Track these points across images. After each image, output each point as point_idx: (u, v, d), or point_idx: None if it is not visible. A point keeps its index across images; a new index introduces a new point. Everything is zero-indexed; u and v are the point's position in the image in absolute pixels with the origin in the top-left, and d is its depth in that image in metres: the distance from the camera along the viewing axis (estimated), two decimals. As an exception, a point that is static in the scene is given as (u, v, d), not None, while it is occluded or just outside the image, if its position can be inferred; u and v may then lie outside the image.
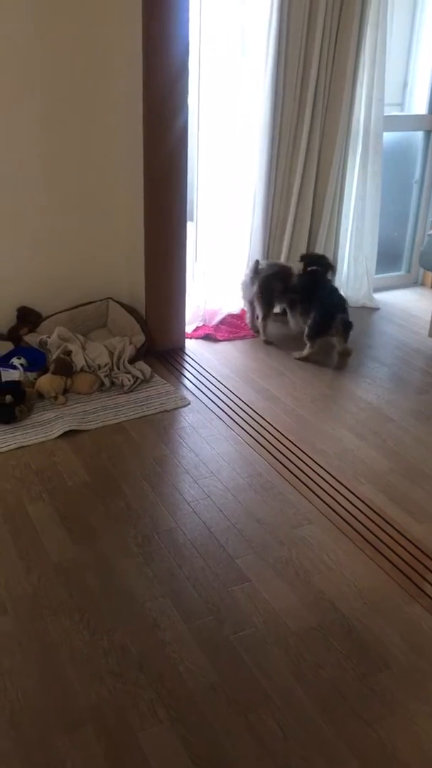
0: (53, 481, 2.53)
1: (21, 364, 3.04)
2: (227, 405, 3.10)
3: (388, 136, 4.20)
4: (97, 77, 3.25)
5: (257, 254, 4.00)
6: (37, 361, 3.12)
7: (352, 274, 4.32)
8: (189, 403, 3.09)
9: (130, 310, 3.53)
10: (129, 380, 3.16)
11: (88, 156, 3.38)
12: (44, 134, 3.25)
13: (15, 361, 3.04)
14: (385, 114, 4.02)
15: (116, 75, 3.26)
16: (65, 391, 3.07)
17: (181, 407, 3.05)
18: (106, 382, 3.16)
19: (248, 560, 2.18)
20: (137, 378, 3.20)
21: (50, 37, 3.09)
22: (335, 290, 3.68)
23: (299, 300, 3.69)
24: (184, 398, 3.12)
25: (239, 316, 4.01)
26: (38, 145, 3.25)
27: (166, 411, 3.01)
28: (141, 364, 3.30)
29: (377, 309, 4.32)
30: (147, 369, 3.28)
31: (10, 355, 3.12)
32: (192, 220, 3.85)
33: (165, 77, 3.14)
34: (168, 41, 3.08)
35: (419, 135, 4.46)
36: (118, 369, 3.24)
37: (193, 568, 2.14)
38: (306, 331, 3.56)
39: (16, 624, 1.92)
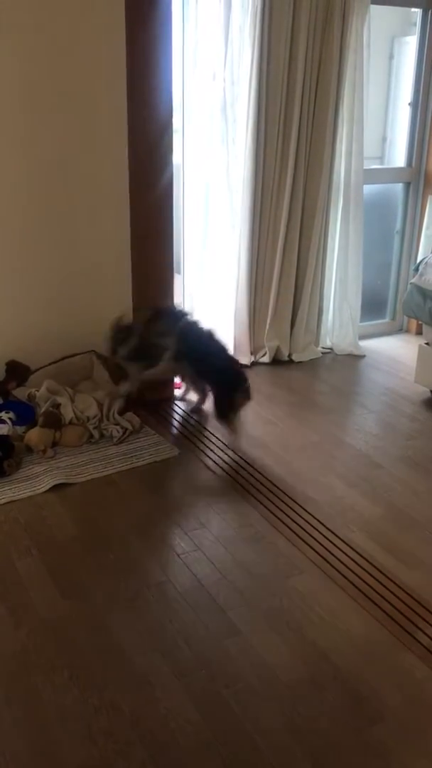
0: (42, 535, 2.51)
1: (9, 419, 3.04)
2: (216, 455, 3.11)
3: (369, 189, 4.32)
4: (82, 134, 3.32)
5: (244, 306, 4.06)
6: (25, 414, 3.12)
7: (338, 322, 4.38)
8: (178, 453, 3.09)
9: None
10: (118, 431, 3.17)
11: (74, 211, 3.43)
12: (30, 190, 3.31)
13: (3, 415, 3.05)
14: (366, 167, 4.14)
15: (101, 132, 3.35)
16: (54, 444, 3.07)
17: (170, 457, 3.05)
18: (95, 434, 3.16)
19: (240, 612, 2.16)
20: (126, 429, 3.20)
21: (35, 94, 3.18)
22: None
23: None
24: (174, 448, 3.12)
25: (227, 366, 4.04)
26: (24, 201, 3.31)
27: (156, 462, 3.01)
28: (130, 415, 3.31)
29: (363, 356, 4.37)
30: (136, 420, 3.29)
31: (6, 406, 3.12)
32: (179, 272, 3.92)
33: (149, 134, 3.24)
34: (152, 99, 3.20)
35: (399, 187, 4.59)
36: (108, 420, 3.25)
37: (185, 622, 2.12)
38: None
39: (4, 682, 1.88)
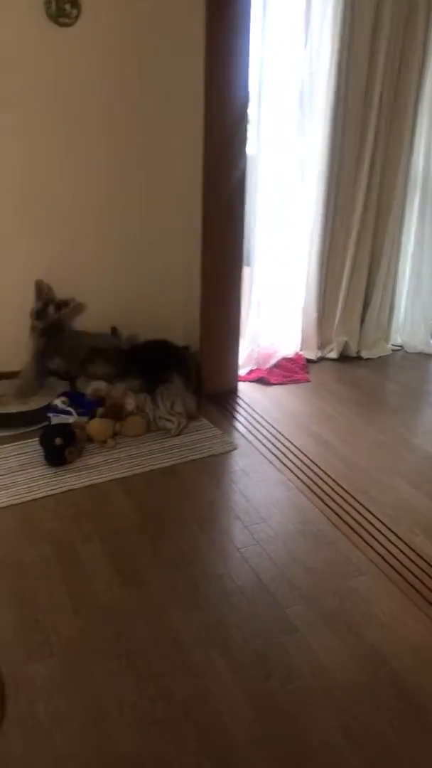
0: (104, 522, 2.55)
1: (72, 408, 3.09)
2: (279, 449, 3.08)
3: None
4: (159, 124, 3.36)
5: (313, 300, 4.01)
6: (88, 404, 3.16)
7: (410, 319, 4.28)
8: (237, 448, 3.08)
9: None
10: (172, 423, 3.17)
11: (149, 199, 3.47)
12: (107, 180, 3.36)
13: (59, 403, 3.09)
14: (444, 161, 4.02)
15: (177, 122, 3.36)
16: (115, 434, 3.10)
17: (229, 452, 3.05)
18: (154, 425, 3.18)
19: (297, 610, 2.14)
20: (180, 423, 3.20)
21: (116, 84, 3.22)
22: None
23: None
24: (232, 443, 3.11)
25: (294, 360, 4.00)
26: (101, 191, 3.36)
27: (213, 455, 3.01)
28: (188, 404, 3.29)
29: (434, 355, 4.26)
30: (192, 407, 3.28)
31: (74, 397, 3.17)
32: (249, 264, 3.90)
33: (225, 124, 3.22)
34: (229, 90, 3.17)
35: None
36: (169, 410, 3.26)
37: (242, 617, 2.11)
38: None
39: (62, 666, 1.92)
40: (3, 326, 3.36)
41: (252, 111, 3.44)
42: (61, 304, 3.33)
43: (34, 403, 3.24)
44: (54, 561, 2.34)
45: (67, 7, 3.03)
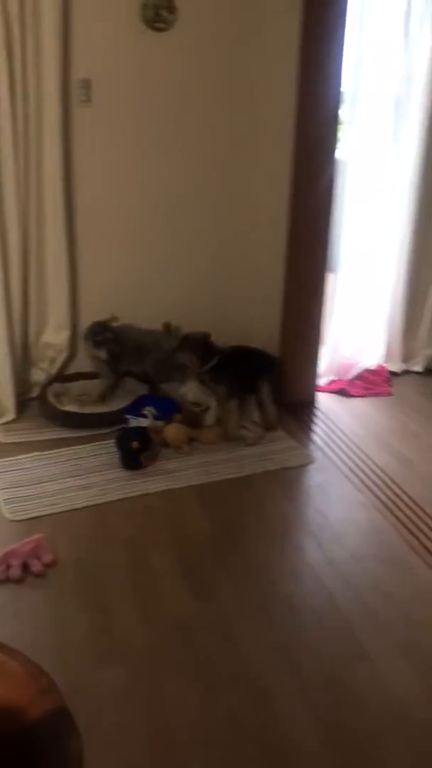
0: (176, 530, 2.53)
1: (151, 413, 3.09)
2: (358, 466, 3.00)
3: None
4: (249, 128, 3.33)
5: (399, 310, 3.90)
6: (166, 410, 3.16)
7: None
8: (313, 462, 3.01)
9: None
10: (249, 433, 3.13)
11: (234, 204, 3.45)
12: (193, 183, 3.36)
13: (146, 411, 3.11)
14: None
15: (267, 125, 3.33)
16: (191, 441, 3.09)
17: (305, 465, 2.98)
18: (232, 433, 3.15)
19: (371, 637, 2.07)
20: (258, 433, 3.15)
21: (209, 88, 3.22)
22: None
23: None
24: (309, 456, 3.05)
25: (376, 372, 3.90)
26: (186, 194, 3.37)
27: (289, 468, 2.95)
28: (266, 416, 3.24)
29: None
30: (272, 419, 3.24)
31: (142, 403, 3.18)
32: (333, 270, 3.82)
33: (316, 128, 3.15)
34: (321, 93, 3.11)
35: None
36: (244, 419, 3.22)
37: (312, 638, 2.06)
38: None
39: (131, 678, 1.91)
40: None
41: (344, 115, 3.36)
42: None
43: (113, 405, 3.27)
44: (126, 566, 2.34)
45: (164, 12, 3.03)
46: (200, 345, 3.13)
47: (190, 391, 3.23)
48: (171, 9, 3.04)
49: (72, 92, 3.05)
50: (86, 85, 3.06)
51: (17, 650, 1.03)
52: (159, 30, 3.07)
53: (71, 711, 1.04)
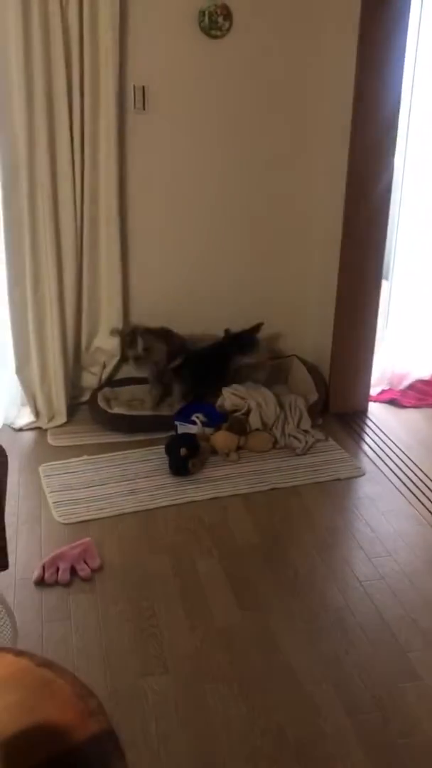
0: (224, 538, 2.52)
1: (200, 420, 3.09)
2: (410, 479, 2.94)
3: None
4: (304, 133, 3.31)
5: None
6: (215, 417, 3.16)
7: None
8: (364, 473, 2.96)
9: (312, 369, 3.49)
10: (300, 442, 3.10)
11: (288, 211, 3.44)
12: (247, 191, 3.35)
13: (195, 417, 3.10)
14: None
15: (323, 131, 3.30)
16: (239, 448, 3.07)
17: (355, 477, 2.93)
18: (281, 441, 3.12)
19: (422, 656, 2.01)
20: (307, 441, 3.12)
21: (263, 91, 3.21)
22: None
23: None
24: (360, 467, 2.99)
25: (429, 382, 3.82)
26: (240, 202, 3.36)
27: (339, 479, 2.91)
28: (315, 432, 3.22)
29: None
30: (320, 435, 3.20)
31: (191, 410, 3.18)
32: (387, 279, 3.76)
33: (373, 134, 3.11)
34: (378, 100, 3.06)
35: None
36: (293, 427, 3.19)
37: (361, 656, 2.01)
38: None
39: (176, 685, 1.90)
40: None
41: (402, 121, 3.30)
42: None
43: (164, 410, 3.28)
44: (173, 574, 2.33)
45: (220, 20, 3.03)
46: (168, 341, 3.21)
47: (226, 398, 3.22)
48: (227, 16, 3.04)
49: (128, 99, 3.07)
50: (142, 92, 3.08)
51: (66, 669, 1.03)
52: (215, 37, 3.07)
53: (117, 726, 1.03)
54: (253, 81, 3.19)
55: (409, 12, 2.99)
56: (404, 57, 3.05)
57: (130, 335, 3.24)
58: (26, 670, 1.01)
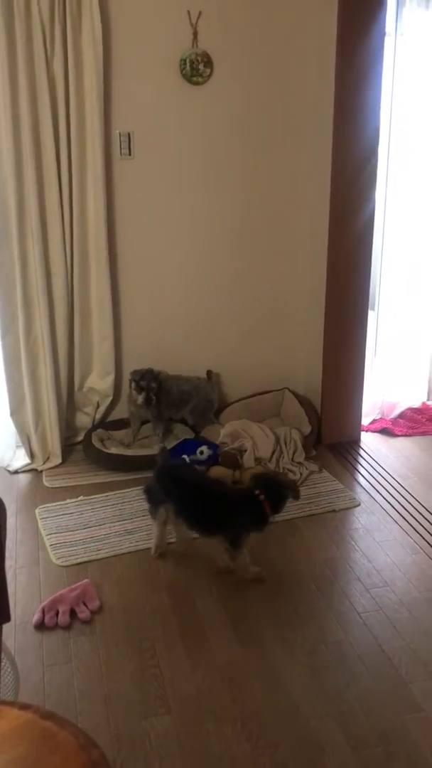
0: (222, 574, 2.52)
1: (201, 453, 3.12)
2: (404, 508, 2.96)
3: None
4: (286, 172, 3.40)
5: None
6: (212, 452, 3.19)
7: None
8: (359, 504, 2.98)
9: (303, 401, 3.52)
10: (294, 475, 3.12)
11: (274, 248, 3.50)
12: (233, 231, 3.42)
13: (204, 450, 3.15)
14: None
15: (305, 170, 3.38)
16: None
17: (350, 508, 2.95)
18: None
19: (424, 687, 2.02)
20: (302, 474, 3.15)
21: (244, 134, 3.30)
22: None
23: None
24: (354, 498, 3.01)
25: (420, 411, 3.86)
26: (227, 241, 3.43)
27: (335, 511, 2.92)
28: (309, 464, 3.25)
29: None
30: (314, 467, 3.23)
31: (197, 444, 3.21)
32: (373, 309, 3.82)
33: (352, 172, 3.19)
34: (356, 135, 3.15)
35: None
36: (291, 461, 3.22)
37: (362, 689, 2.02)
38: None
39: (178, 725, 1.90)
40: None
41: (382, 157, 3.38)
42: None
43: (157, 448, 3.30)
44: (172, 612, 2.34)
45: (201, 67, 3.13)
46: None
47: (224, 435, 3.26)
48: (208, 63, 3.14)
49: (114, 145, 3.15)
50: (128, 138, 3.16)
51: (70, 721, 1.04)
52: (197, 84, 3.16)
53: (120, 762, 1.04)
54: (236, 124, 3.27)
55: (382, 55, 3.10)
56: (380, 97, 3.14)
57: (140, 379, 3.28)
58: (31, 724, 1.03)
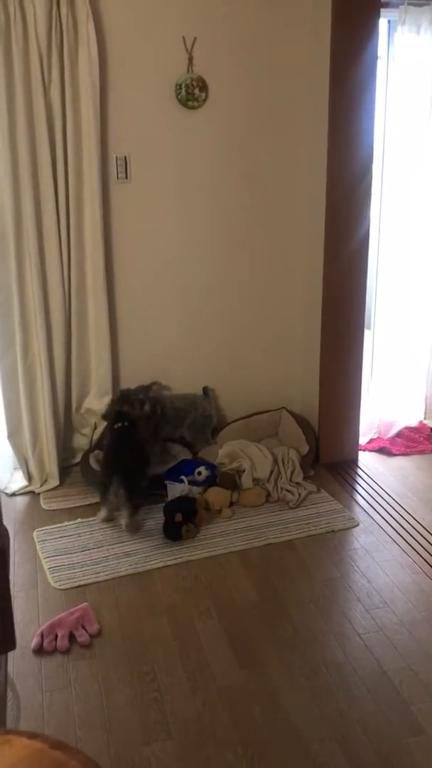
0: (221, 597, 2.52)
1: (203, 475, 3.12)
2: (403, 527, 2.96)
3: None
4: (282, 193, 3.43)
5: (437, 367, 3.88)
6: (210, 473, 3.19)
7: None
8: (357, 524, 2.98)
9: (301, 421, 3.53)
10: (293, 495, 3.12)
11: (272, 271, 3.53)
12: (230, 253, 3.45)
13: (202, 471, 3.14)
14: None
15: (300, 191, 3.42)
16: (232, 504, 3.09)
17: (349, 528, 2.95)
18: (274, 494, 3.15)
19: (426, 709, 2.01)
20: (300, 494, 3.15)
21: (240, 156, 3.34)
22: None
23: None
24: (353, 518, 3.01)
25: (417, 429, 3.87)
26: (224, 264, 3.45)
27: (333, 531, 2.92)
28: (307, 485, 3.25)
29: None
30: (312, 487, 3.23)
31: (195, 465, 3.21)
32: (369, 328, 3.83)
33: (346, 193, 3.22)
34: (350, 157, 3.18)
35: None
36: (285, 480, 3.22)
37: (364, 711, 2.01)
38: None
39: (179, 751, 1.88)
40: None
41: (376, 178, 3.41)
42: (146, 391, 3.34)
43: (155, 469, 3.29)
44: (172, 635, 2.33)
45: (196, 91, 3.17)
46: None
47: (221, 456, 3.26)
48: (203, 88, 3.18)
49: (111, 169, 3.18)
50: (125, 162, 3.19)
51: (79, 750, 1.03)
52: (193, 108, 3.20)
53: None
54: (231, 148, 3.31)
55: (375, 78, 3.14)
56: (373, 119, 3.18)
57: (142, 399, 3.28)
58: (40, 753, 1.02)
